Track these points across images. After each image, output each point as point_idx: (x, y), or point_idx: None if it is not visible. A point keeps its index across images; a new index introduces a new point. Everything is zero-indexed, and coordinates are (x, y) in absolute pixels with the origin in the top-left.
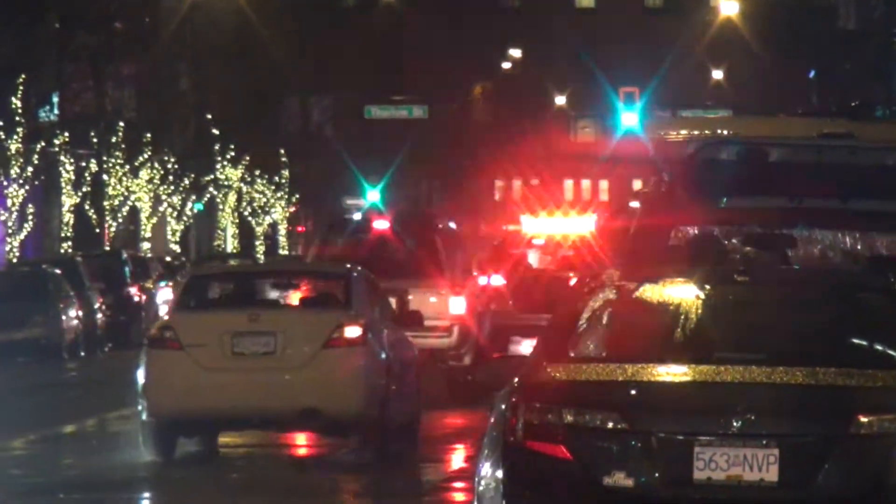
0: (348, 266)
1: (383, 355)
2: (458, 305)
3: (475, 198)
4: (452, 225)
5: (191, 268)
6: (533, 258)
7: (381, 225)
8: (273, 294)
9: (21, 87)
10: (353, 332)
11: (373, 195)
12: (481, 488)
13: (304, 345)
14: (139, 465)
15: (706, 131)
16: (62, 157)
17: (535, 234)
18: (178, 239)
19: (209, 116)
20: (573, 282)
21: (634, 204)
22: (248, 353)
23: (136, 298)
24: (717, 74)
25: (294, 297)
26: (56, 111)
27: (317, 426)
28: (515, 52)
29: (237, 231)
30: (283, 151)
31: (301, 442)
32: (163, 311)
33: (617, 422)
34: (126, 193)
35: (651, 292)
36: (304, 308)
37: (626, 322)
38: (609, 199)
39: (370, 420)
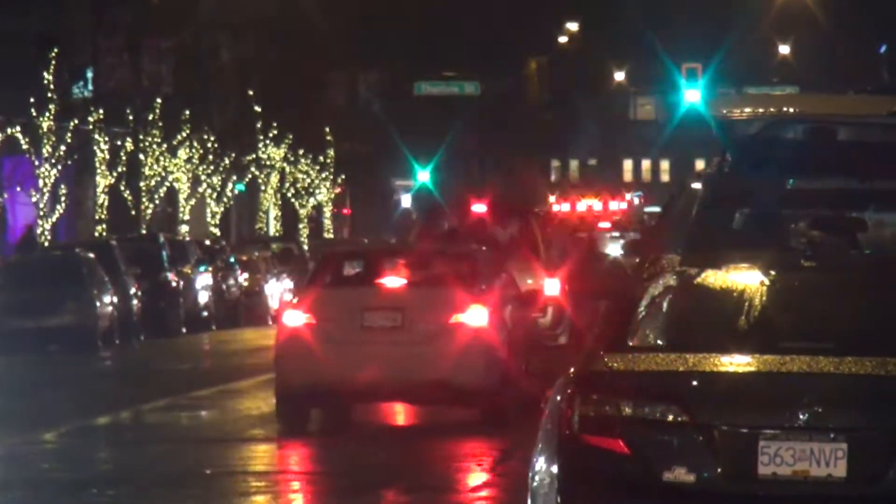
0: (474, 246)
1: (505, 332)
2: (552, 286)
3: (529, 179)
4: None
5: (320, 246)
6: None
7: (480, 208)
8: (401, 271)
9: (54, 62)
10: (477, 308)
11: (422, 175)
12: (535, 483)
13: (430, 320)
14: (175, 459)
15: (772, 109)
16: (96, 136)
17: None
18: (217, 222)
19: (251, 92)
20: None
21: (696, 185)
22: (377, 327)
23: (174, 284)
24: (784, 49)
25: (421, 275)
26: (90, 87)
27: (442, 398)
28: (572, 26)
29: (280, 213)
30: (328, 130)
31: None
32: (203, 297)
33: (677, 414)
34: (163, 173)
35: (713, 278)
36: (431, 285)
37: (688, 310)
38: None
39: (492, 393)
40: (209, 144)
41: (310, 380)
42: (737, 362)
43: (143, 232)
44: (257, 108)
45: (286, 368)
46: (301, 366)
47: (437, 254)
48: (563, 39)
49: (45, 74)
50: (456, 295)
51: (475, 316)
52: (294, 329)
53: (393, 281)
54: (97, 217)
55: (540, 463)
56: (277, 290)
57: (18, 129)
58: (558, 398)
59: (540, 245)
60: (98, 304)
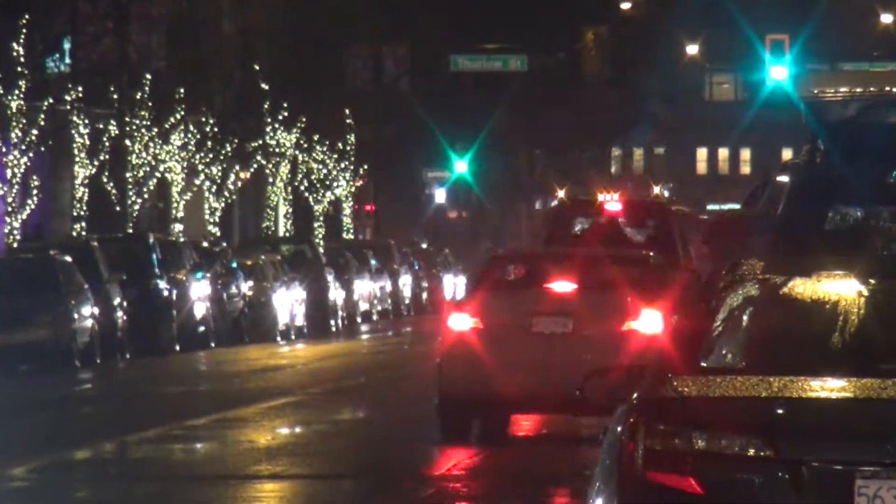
0: (644, 252)
1: None
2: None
3: (586, 169)
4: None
5: (489, 250)
6: None
7: (613, 207)
8: (570, 276)
9: (24, 31)
10: (649, 314)
11: (460, 166)
12: None
13: (601, 326)
14: (167, 500)
15: (871, 89)
16: (75, 118)
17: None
18: (217, 220)
19: (257, 68)
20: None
21: (783, 178)
22: (547, 333)
23: (166, 293)
24: (886, 19)
25: (591, 280)
26: (67, 60)
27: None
28: None
29: (290, 210)
30: (348, 112)
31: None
32: (199, 308)
33: (760, 448)
34: (153, 162)
35: (802, 287)
36: (603, 290)
37: (772, 324)
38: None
39: None
40: (208, 128)
41: (474, 386)
42: (830, 387)
43: (130, 231)
44: (264, 87)
45: (450, 374)
46: (466, 371)
47: (608, 257)
48: (625, 6)
49: (14, 45)
50: (629, 300)
51: (649, 322)
52: (460, 333)
53: (563, 285)
54: (75, 213)
55: None
56: (287, 300)
57: None
58: (619, 429)
59: (678, 247)
60: (76, 316)
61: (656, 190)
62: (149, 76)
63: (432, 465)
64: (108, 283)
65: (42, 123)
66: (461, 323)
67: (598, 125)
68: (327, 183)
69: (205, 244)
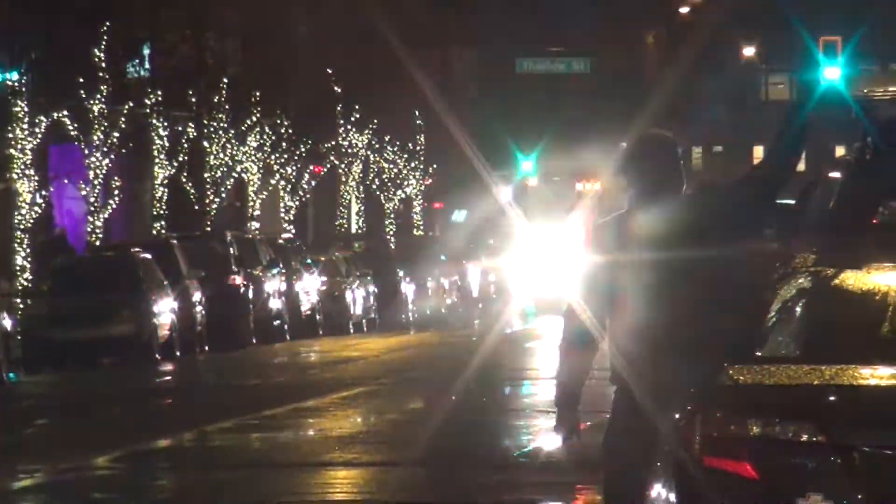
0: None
1: None
2: None
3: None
4: None
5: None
6: None
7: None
8: None
9: (105, 38)
10: None
11: (526, 166)
12: None
13: None
14: (245, 487)
15: None
16: (154, 121)
17: None
18: (292, 218)
19: (330, 71)
20: None
21: (834, 174)
22: None
23: (243, 289)
24: None
25: None
26: (147, 65)
27: None
28: None
29: (362, 208)
30: (417, 114)
31: None
32: (275, 303)
33: (813, 434)
34: (230, 163)
35: (854, 279)
36: None
37: (824, 315)
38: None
39: None
40: (282, 130)
41: None
42: (881, 374)
43: (208, 229)
44: (337, 89)
45: None
46: None
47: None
48: (684, 10)
49: (97, 51)
50: None
51: None
52: None
53: None
54: (155, 213)
55: (656, 490)
56: (360, 294)
57: (66, 113)
58: (676, 416)
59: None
60: (156, 311)
61: None
62: (225, 80)
63: (501, 453)
64: (187, 279)
65: (123, 126)
66: None
67: (656, 125)
68: (398, 182)
69: (280, 241)
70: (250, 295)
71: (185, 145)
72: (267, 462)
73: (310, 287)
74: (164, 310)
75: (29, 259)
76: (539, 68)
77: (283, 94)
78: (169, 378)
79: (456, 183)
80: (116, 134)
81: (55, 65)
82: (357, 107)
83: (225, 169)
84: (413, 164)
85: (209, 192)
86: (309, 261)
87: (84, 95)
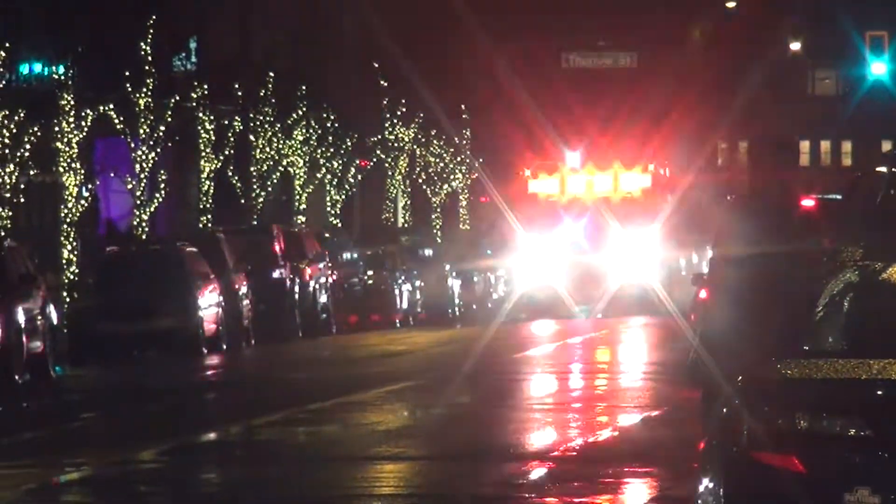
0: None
1: None
2: None
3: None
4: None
5: None
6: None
7: (808, 203)
8: None
9: (152, 31)
10: None
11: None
12: None
13: None
14: (292, 481)
15: None
16: (200, 114)
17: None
18: (338, 211)
19: (376, 65)
20: None
21: (882, 168)
22: None
23: (289, 283)
24: None
25: None
26: (194, 59)
27: None
28: None
29: (409, 202)
30: (463, 108)
31: None
32: (322, 297)
33: (861, 428)
34: (276, 157)
35: None
36: None
37: (871, 309)
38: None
39: None
40: (329, 124)
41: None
42: None
43: (254, 223)
44: (384, 83)
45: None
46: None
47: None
48: (731, 4)
49: (143, 45)
50: None
51: None
52: None
53: None
54: (201, 206)
55: (704, 484)
56: (406, 288)
57: (112, 106)
58: (724, 410)
59: None
60: (203, 305)
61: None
62: (272, 74)
63: (546, 448)
64: (234, 272)
65: (169, 120)
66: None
67: (704, 119)
68: (444, 176)
69: (326, 235)
70: (296, 289)
71: (232, 139)
72: (313, 456)
73: (356, 281)
74: (211, 303)
75: (75, 252)
76: (584, 63)
77: (330, 89)
78: (215, 372)
79: (501, 177)
80: (163, 127)
81: (101, 58)
82: (403, 101)
83: (271, 162)
84: (459, 159)
85: (255, 186)
86: (355, 255)
87: (130, 89)
